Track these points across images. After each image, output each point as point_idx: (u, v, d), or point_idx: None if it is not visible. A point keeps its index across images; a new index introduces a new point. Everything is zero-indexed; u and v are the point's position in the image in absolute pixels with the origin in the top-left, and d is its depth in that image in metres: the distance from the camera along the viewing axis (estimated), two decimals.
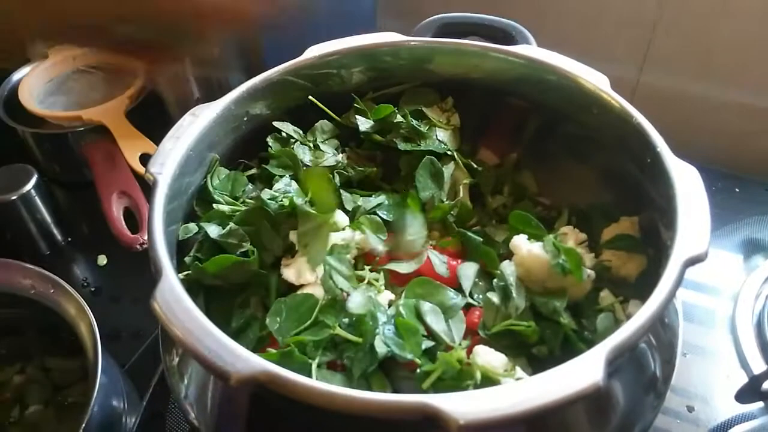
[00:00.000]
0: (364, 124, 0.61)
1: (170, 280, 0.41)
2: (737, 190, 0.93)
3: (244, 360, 0.37)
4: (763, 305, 0.76)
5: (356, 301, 0.46)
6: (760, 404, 0.66)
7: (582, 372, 0.36)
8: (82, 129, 0.96)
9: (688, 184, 0.47)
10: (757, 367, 0.67)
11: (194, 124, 0.52)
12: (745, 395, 0.65)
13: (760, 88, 0.96)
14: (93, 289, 0.88)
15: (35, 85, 1.05)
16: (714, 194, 0.90)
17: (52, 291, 0.67)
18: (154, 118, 0.98)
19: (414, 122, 0.61)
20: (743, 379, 0.68)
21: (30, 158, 1.00)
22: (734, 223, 0.88)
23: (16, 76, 1.05)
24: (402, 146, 0.60)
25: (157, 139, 0.90)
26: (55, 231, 0.94)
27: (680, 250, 0.43)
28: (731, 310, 0.76)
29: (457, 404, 0.34)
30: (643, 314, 0.39)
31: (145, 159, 0.89)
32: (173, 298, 0.40)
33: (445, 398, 0.35)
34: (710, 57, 0.96)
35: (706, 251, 0.43)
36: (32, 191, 0.89)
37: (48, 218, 0.92)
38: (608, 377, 0.36)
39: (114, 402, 0.67)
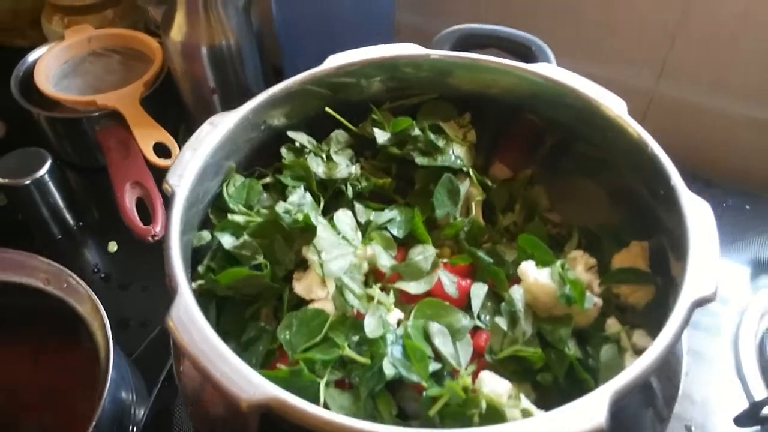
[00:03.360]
0: (381, 136, 0.61)
1: (185, 298, 0.42)
2: (747, 207, 0.93)
3: (255, 386, 0.37)
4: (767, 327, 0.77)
5: (371, 325, 0.47)
6: (758, 428, 0.67)
7: (585, 413, 0.37)
8: (96, 114, 0.96)
9: (700, 222, 0.47)
10: (758, 392, 0.68)
11: (212, 134, 0.53)
12: (744, 420, 0.65)
13: None
14: (103, 276, 0.89)
15: (51, 66, 1.05)
16: (724, 211, 0.92)
17: (65, 285, 0.68)
18: (168, 106, 1.00)
19: (431, 137, 0.61)
20: (743, 401, 0.69)
21: (44, 141, 1.00)
22: (742, 241, 0.88)
23: (31, 56, 1.05)
24: (419, 160, 0.60)
25: (170, 127, 0.92)
26: (68, 215, 0.94)
27: (689, 292, 0.43)
28: (734, 330, 0.77)
29: None
30: (648, 357, 0.40)
31: (158, 148, 0.89)
32: (188, 318, 0.41)
33: None
34: (729, 70, 0.95)
35: (714, 293, 0.43)
36: (46, 176, 0.89)
37: (60, 203, 0.92)
38: (611, 417, 0.37)
39: (123, 395, 0.69)
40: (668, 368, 0.50)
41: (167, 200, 0.48)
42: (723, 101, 0.97)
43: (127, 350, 0.76)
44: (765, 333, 0.76)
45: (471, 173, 0.62)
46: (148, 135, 0.91)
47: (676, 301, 0.43)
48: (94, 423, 0.59)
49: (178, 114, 1.00)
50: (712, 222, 0.47)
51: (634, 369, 0.39)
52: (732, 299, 0.80)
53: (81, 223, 0.95)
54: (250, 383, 0.38)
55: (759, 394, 0.67)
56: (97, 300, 0.66)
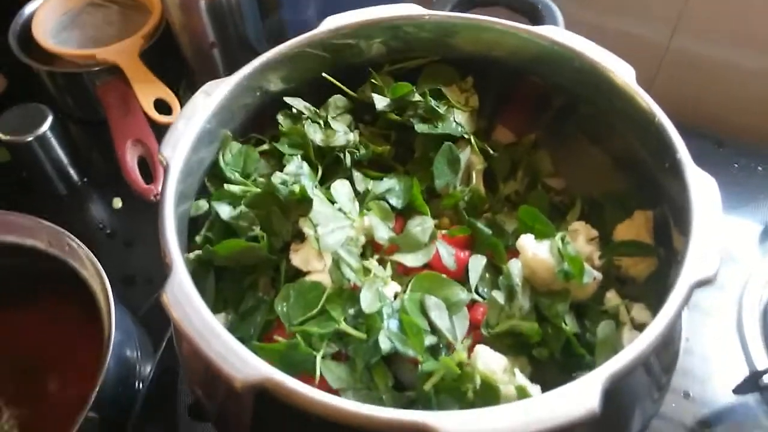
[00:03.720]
0: (380, 102, 0.59)
1: (180, 275, 0.42)
2: (759, 168, 0.90)
3: (251, 366, 0.38)
4: None
5: (367, 300, 0.47)
6: (757, 395, 0.67)
7: (578, 398, 0.37)
8: (96, 69, 0.95)
9: (705, 199, 0.46)
10: (759, 360, 0.67)
11: (206, 102, 0.51)
12: (743, 388, 0.66)
13: None
14: (108, 232, 0.90)
15: (49, 18, 1.02)
16: (735, 172, 0.90)
17: (67, 248, 0.68)
18: (168, 60, 0.98)
19: (432, 103, 0.59)
20: (743, 367, 0.69)
21: (45, 94, 0.99)
22: (753, 204, 0.86)
23: (28, 9, 1.02)
24: (419, 128, 0.59)
25: (171, 82, 0.90)
26: (72, 171, 0.94)
27: (689, 272, 0.43)
28: (739, 295, 0.76)
29: (453, 424, 0.36)
30: (644, 339, 0.40)
31: (159, 104, 0.88)
32: (183, 295, 0.41)
33: (442, 417, 0.36)
34: (746, 22, 0.92)
35: (714, 275, 0.43)
36: (48, 132, 0.88)
37: (64, 158, 0.92)
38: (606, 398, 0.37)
39: (128, 352, 0.70)
40: (666, 344, 0.50)
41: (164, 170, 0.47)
42: (738, 55, 0.94)
43: (133, 307, 0.77)
44: None
45: (472, 141, 0.60)
46: (148, 91, 0.90)
47: (676, 281, 0.43)
48: (98, 385, 0.60)
49: (178, 68, 0.98)
50: (718, 200, 0.46)
51: (628, 353, 0.39)
52: (740, 262, 0.79)
53: (85, 179, 0.95)
54: (244, 363, 0.38)
55: (760, 362, 0.67)
56: (98, 263, 0.67)
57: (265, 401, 0.39)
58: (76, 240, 0.68)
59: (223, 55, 0.94)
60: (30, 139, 0.87)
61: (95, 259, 0.67)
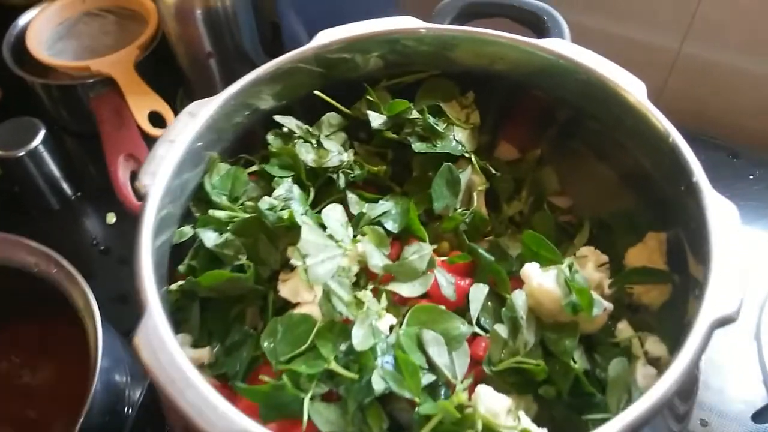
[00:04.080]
0: (376, 120, 0.56)
1: (155, 317, 0.39)
2: None
3: (226, 419, 0.35)
4: None
5: (359, 337, 0.44)
6: None
7: None
8: (91, 81, 0.92)
9: (724, 228, 0.43)
10: None
11: (191, 125, 0.48)
12: (762, 416, 0.62)
13: None
14: (102, 249, 0.87)
15: (44, 29, 1.00)
16: (751, 183, 0.86)
17: (54, 271, 0.66)
18: (165, 71, 0.95)
19: (431, 120, 0.56)
20: (762, 393, 0.65)
21: (38, 107, 0.97)
22: None
23: (22, 20, 1.00)
24: (416, 147, 0.56)
25: (166, 93, 0.88)
26: (65, 185, 0.92)
27: (709, 309, 0.39)
28: (758, 314, 0.72)
29: None
30: (660, 387, 0.36)
31: (154, 117, 0.85)
32: (157, 339, 0.38)
33: None
34: (758, 28, 0.88)
35: (737, 311, 0.39)
36: (40, 147, 0.86)
37: (57, 173, 0.90)
38: None
39: (117, 377, 0.67)
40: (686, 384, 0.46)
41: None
42: (751, 61, 0.90)
43: (126, 326, 0.73)
44: None
45: (473, 160, 0.57)
46: (142, 103, 0.88)
47: (695, 319, 0.39)
48: (83, 415, 0.57)
49: (174, 79, 0.96)
50: (738, 228, 0.43)
51: (645, 401, 0.36)
52: (755, 284, 0.75)
53: (79, 194, 0.93)
54: (221, 416, 0.35)
55: None
56: (86, 285, 0.64)
57: None
58: (64, 261, 0.65)
59: (220, 66, 0.92)
60: (21, 154, 0.85)
61: (83, 282, 0.64)
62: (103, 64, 0.92)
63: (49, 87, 0.95)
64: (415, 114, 0.56)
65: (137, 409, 0.67)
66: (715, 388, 0.66)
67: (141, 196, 0.45)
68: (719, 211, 0.43)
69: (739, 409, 0.65)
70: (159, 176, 0.45)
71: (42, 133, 0.86)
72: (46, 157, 0.88)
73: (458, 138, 0.57)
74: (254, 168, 0.55)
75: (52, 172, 0.89)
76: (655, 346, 0.48)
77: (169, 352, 0.37)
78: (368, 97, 0.58)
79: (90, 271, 0.83)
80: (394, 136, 0.57)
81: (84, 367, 0.65)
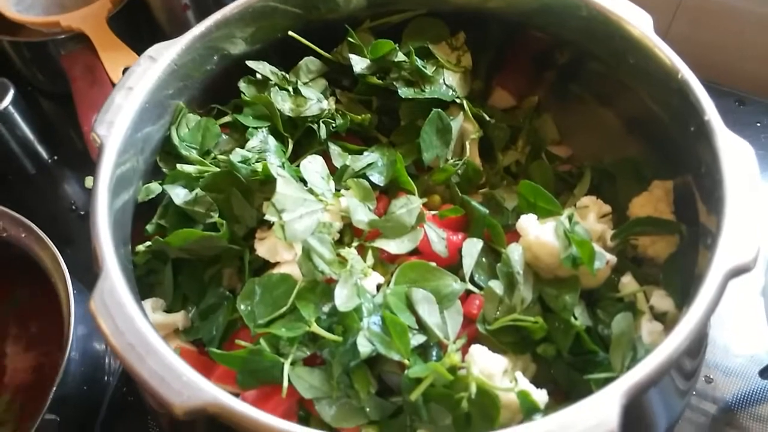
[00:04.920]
0: (359, 63, 0.52)
1: (112, 278, 0.35)
2: None
3: (192, 387, 0.31)
4: None
5: (342, 297, 0.40)
6: None
7: (596, 418, 0.30)
8: (62, 37, 0.87)
9: (739, 169, 0.39)
10: None
11: (151, 70, 0.44)
12: None
13: None
14: (82, 213, 0.83)
15: None
16: (758, 131, 0.82)
17: (23, 236, 0.62)
18: (139, 25, 0.90)
19: (419, 63, 0.52)
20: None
21: (11, 67, 0.92)
22: None
23: None
24: (403, 92, 0.52)
25: (141, 49, 0.82)
26: (40, 149, 0.88)
27: (723, 257, 0.36)
28: (764, 272, 0.69)
29: None
30: (670, 343, 0.33)
31: None
32: (114, 303, 0.34)
33: None
34: None
35: (754, 260, 0.35)
36: (10, 108, 0.82)
37: (31, 135, 0.86)
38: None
39: (96, 345, 0.64)
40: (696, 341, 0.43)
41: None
42: (759, 4, 0.85)
43: None
44: None
45: (465, 106, 0.53)
46: (116, 59, 0.82)
47: (707, 269, 0.35)
48: (56, 384, 0.55)
49: (150, 34, 0.91)
50: (755, 169, 0.39)
51: (652, 360, 0.32)
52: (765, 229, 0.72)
53: (56, 157, 0.88)
54: (185, 384, 0.31)
55: None
56: (56, 250, 0.61)
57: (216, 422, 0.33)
58: (33, 225, 0.62)
59: (198, 19, 0.86)
60: None
61: (54, 247, 0.61)
62: (74, 18, 0.86)
63: (18, 45, 0.90)
64: (401, 57, 0.52)
65: (118, 378, 0.64)
66: (719, 345, 0.63)
67: (96, 149, 0.40)
68: (733, 151, 0.40)
69: (745, 365, 0.63)
70: (116, 126, 0.41)
71: (11, 94, 0.81)
72: (18, 119, 0.83)
73: (449, 82, 0.53)
74: (227, 119, 0.51)
75: (25, 135, 0.85)
76: (661, 300, 0.44)
77: (128, 316, 0.33)
78: (350, 39, 0.53)
79: (68, 237, 0.79)
80: (379, 81, 0.52)
81: (58, 335, 0.62)
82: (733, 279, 0.35)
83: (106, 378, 0.64)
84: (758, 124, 0.83)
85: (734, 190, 0.38)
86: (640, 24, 0.46)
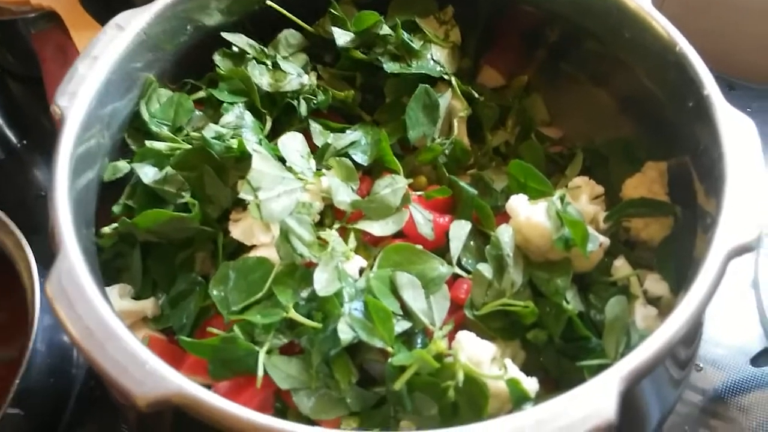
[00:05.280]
0: (341, 36, 0.49)
1: (71, 259, 0.32)
2: None
3: (156, 377, 0.29)
4: None
5: (322, 281, 0.38)
6: None
7: (592, 406, 0.28)
8: (32, 15, 0.84)
9: (740, 145, 0.37)
10: None
11: (118, 39, 0.41)
12: (762, 360, 0.58)
13: None
14: None
15: None
16: (749, 117, 0.81)
17: None
18: (113, 3, 0.87)
19: (405, 36, 0.49)
20: (758, 339, 0.61)
21: None
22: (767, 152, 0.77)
23: None
24: (389, 67, 0.49)
25: None
26: (9, 133, 0.84)
27: (724, 237, 0.34)
28: (754, 262, 0.68)
29: None
30: (668, 329, 0.31)
31: None
32: (73, 285, 0.31)
33: None
34: None
35: (756, 239, 0.34)
36: None
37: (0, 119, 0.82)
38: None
39: (63, 336, 0.61)
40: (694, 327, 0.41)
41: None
42: None
43: None
44: None
45: (453, 82, 0.51)
46: (89, 39, 0.78)
47: (707, 250, 0.34)
48: (19, 376, 0.52)
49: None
50: (757, 145, 0.37)
51: (650, 345, 0.30)
52: None
53: (25, 141, 0.85)
54: (147, 373, 0.29)
55: None
56: (21, 236, 0.58)
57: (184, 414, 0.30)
58: None
59: None
60: None
61: (19, 233, 0.58)
62: None
63: None
64: (386, 30, 0.49)
65: (88, 369, 0.61)
66: (709, 335, 0.62)
67: (57, 122, 0.37)
68: (734, 126, 0.38)
69: (734, 355, 0.61)
70: (79, 98, 0.38)
71: None
72: None
73: (436, 57, 0.50)
74: (201, 94, 0.48)
75: None
76: (655, 284, 0.43)
77: (87, 300, 0.31)
78: (332, 11, 0.50)
79: (36, 224, 0.75)
80: (363, 56, 0.50)
81: (23, 325, 0.59)
82: (734, 259, 0.33)
83: (74, 370, 0.61)
84: (748, 110, 0.81)
85: (735, 166, 0.36)
86: None
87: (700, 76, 0.41)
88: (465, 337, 0.38)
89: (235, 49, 0.49)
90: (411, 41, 0.50)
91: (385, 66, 0.50)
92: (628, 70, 0.49)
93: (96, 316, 0.30)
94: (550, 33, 0.54)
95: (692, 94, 0.41)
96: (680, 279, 0.41)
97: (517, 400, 0.36)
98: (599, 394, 0.29)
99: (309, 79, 0.49)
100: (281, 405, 0.40)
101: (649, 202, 0.45)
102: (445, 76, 0.51)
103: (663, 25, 0.43)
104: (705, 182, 0.41)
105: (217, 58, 0.48)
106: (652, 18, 0.44)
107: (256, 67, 0.47)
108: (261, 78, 0.47)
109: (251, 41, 0.49)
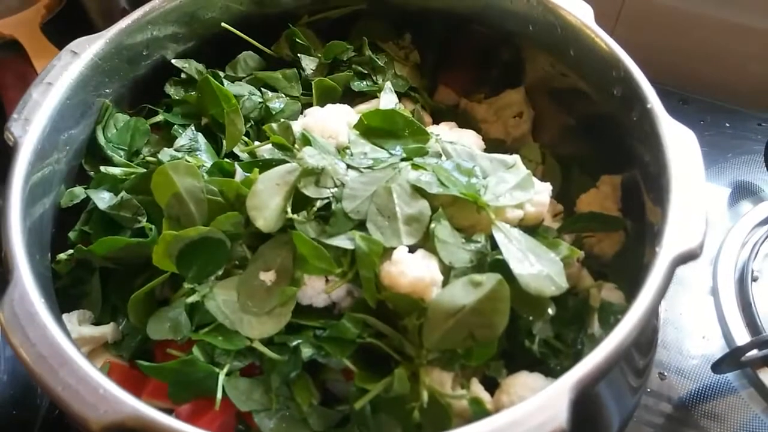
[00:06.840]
0: (309, 64, 0.50)
1: (24, 285, 0.32)
2: (727, 125, 0.83)
3: (110, 401, 0.28)
4: (747, 258, 0.69)
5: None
6: (738, 372, 0.60)
7: (545, 414, 0.29)
8: None
9: (683, 156, 0.38)
10: (740, 336, 0.60)
11: (73, 65, 0.41)
12: (723, 366, 0.59)
13: (763, 6, 0.85)
14: None
15: None
16: (701, 129, 0.83)
17: None
18: (75, 32, 0.87)
19: (370, 54, 0.51)
20: (721, 341, 0.62)
21: None
22: (721, 164, 0.79)
23: None
24: (356, 86, 0.50)
25: None
26: None
27: (669, 244, 0.35)
28: (713, 263, 0.69)
29: None
30: (617, 335, 0.32)
31: None
32: (24, 311, 0.31)
33: None
34: None
35: (700, 245, 0.35)
36: None
37: None
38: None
39: None
40: (645, 332, 0.42)
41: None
42: (701, 3, 0.87)
43: None
44: (744, 265, 0.69)
45: (418, 96, 0.52)
46: None
47: (654, 258, 0.35)
48: None
49: None
50: (698, 155, 0.38)
51: (598, 354, 0.31)
52: (710, 227, 0.72)
53: None
54: (101, 398, 0.29)
55: (740, 337, 0.61)
56: None
57: None
58: None
59: None
60: None
61: None
62: (7, 25, 0.83)
63: None
64: (351, 54, 0.51)
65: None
66: (672, 344, 0.63)
67: (11, 148, 0.37)
68: (676, 137, 0.39)
69: (696, 363, 0.62)
70: (33, 124, 0.38)
71: None
72: None
73: (400, 73, 0.51)
74: (158, 118, 0.48)
75: None
76: (611, 293, 0.44)
77: (39, 326, 0.31)
78: (297, 39, 0.51)
79: None
80: (333, 83, 0.50)
81: None
82: (680, 266, 0.34)
83: (38, 401, 0.60)
84: (702, 122, 0.84)
85: (679, 176, 0.38)
86: (581, 15, 0.46)
87: (643, 90, 0.42)
88: None
89: (184, 75, 0.49)
90: (377, 59, 0.51)
91: (352, 85, 0.51)
92: (578, 86, 0.50)
93: (49, 341, 0.30)
94: (503, 51, 0.55)
95: (636, 108, 0.42)
96: (633, 287, 0.42)
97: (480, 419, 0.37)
98: (551, 402, 0.30)
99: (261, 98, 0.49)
100: (244, 426, 0.39)
101: (599, 217, 0.46)
102: (411, 92, 0.52)
103: (606, 41, 0.45)
104: (652, 192, 0.42)
105: (168, 87, 0.49)
106: (596, 35, 0.45)
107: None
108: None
109: (201, 67, 0.49)
